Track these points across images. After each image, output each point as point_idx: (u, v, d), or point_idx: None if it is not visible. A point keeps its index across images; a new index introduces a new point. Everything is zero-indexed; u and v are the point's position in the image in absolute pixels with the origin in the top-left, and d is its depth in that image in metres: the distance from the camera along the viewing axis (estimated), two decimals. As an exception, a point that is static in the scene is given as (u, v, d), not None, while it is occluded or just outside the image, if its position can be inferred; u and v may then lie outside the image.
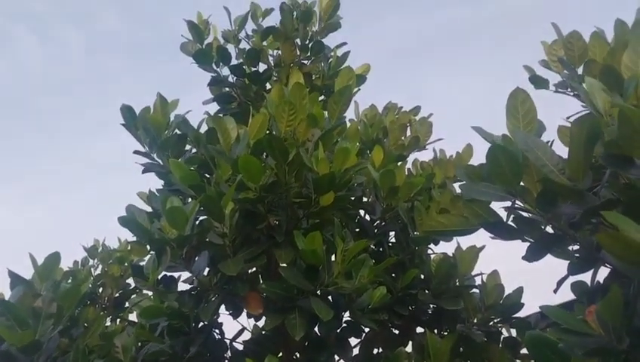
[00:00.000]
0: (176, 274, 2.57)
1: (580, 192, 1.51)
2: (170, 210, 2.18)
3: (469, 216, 1.77)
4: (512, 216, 1.75)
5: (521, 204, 1.69)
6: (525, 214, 1.71)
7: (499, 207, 1.79)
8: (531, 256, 1.65)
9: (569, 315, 1.30)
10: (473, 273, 2.78)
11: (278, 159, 2.36)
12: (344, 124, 2.95)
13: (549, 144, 1.68)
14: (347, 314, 2.64)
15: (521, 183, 1.65)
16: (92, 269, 4.38)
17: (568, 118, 2.18)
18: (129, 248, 4.00)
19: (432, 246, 3.03)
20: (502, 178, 1.59)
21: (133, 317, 3.93)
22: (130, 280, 4.31)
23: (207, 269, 2.60)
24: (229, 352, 2.79)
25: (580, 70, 2.19)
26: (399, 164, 3.16)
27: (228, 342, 2.75)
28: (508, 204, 1.72)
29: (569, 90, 2.30)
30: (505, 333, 2.81)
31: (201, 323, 2.64)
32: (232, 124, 2.53)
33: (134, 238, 3.22)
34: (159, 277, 2.42)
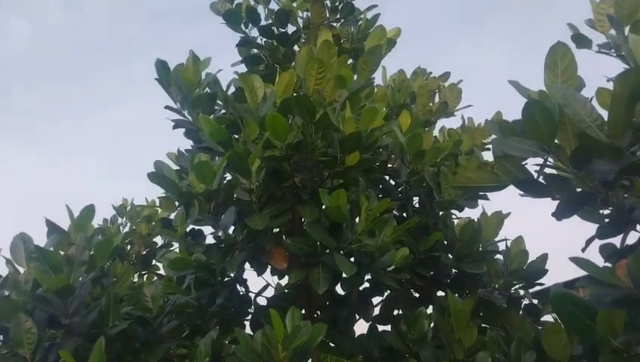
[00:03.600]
0: (203, 229, 2.63)
1: (617, 149, 1.48)
2: (199, 165, 2.21)
3: (499, 173, 1.75)
4: (542, 174, 1.73)
5: (554, 162, 1.66)
6: (557, 172, 1.69)
7: (530, 165, 1.77)
8: (561, 213, 1.63)
9: (599, 267, 1.29)
10: (497, 239, 2.77)
11: (305, 118, 2.36)
12: (372, 86, 2.92)
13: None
14: (369, 275, 2.67)
15: (556, 141, 1.62)
16: (121, 227, 4.51)
17: (609, 80, 2.11)
18: (157, 205, 4.09)
19: (456, 213, 3.02)
20: (536, 134, 1.56)
21: (160, 272, 4.06)
22: (158, 239, 4.44)
23: (233, 227, 2.66)
24: (252, 308, 2.87)
25: (627, 30, 2.11)
26: (426, 129, 3.13)
27: (252, 296, 2.81)
28: (540, 161, 1.71)
29: (612, 50, 2.22)
30: (526, 301, 2.81)
31: (227, 278, 2.71)
32: (259, 82, 2.54)
33: (162, 195, 3.32)
34: (187, 230, 2.47)
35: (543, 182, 1.68)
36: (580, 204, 1.64)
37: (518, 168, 1.72)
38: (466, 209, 2.95)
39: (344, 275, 2.41)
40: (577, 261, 1.33)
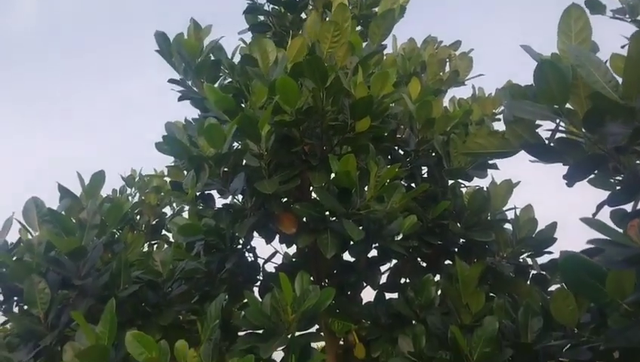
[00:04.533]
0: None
1: (631, 110, 1.46)
2: (209, 127, 2.20)
3: (510, 138, 1.73)
4: (554, 140, 1.71)
5: (565, 126, 1.64)
6: (568, 137, 1.67)
7: (542, 132, 1.74)
8: (572, 176, 1.62)
9: (610, 227, 1.29)
10: (506, 208, 2.76)
11: (316, 82, 2.32)
12: (382, 53, 2.88)
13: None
14: (377, 243, 2.68)
15: (568, 105, 1.60)
16: (129, 197, 4.54)
17: (623, 46, 2.06)
18: (166, 175, 4.11)
19: (465, 183, 3.00)
20: (548, 95, 1.54)
21: (171, 241, 4.09)
22: (167, 209, 4.47)
23: (242, 196, 2.67)
24: (261, 275, 2.90)
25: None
26: (436, 97, 3.09)
27: (261, 263, 2.85)
28: (551, 126, 1.68)
29: (627, 16, 2.17)
30: (534, 271, 2.81)
31: (236, 245, 2.74)
32: (271, 46, 2.51)
33: (171, 164, 3.33)
34: (197, 193, 2.48)
35: (555, 146, 1.67)
36: (592, 167, 1.63)
37: (529, 133, 1.71)
38: (475, 179, 2.94)
39: (352, 242, 2.43)
40: (588, 221, 1.33)
